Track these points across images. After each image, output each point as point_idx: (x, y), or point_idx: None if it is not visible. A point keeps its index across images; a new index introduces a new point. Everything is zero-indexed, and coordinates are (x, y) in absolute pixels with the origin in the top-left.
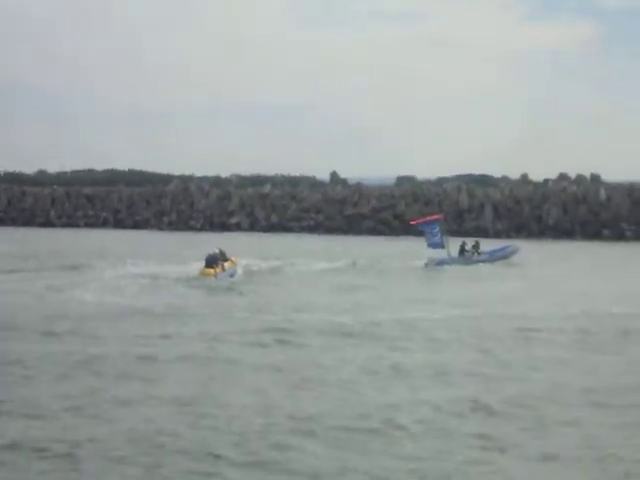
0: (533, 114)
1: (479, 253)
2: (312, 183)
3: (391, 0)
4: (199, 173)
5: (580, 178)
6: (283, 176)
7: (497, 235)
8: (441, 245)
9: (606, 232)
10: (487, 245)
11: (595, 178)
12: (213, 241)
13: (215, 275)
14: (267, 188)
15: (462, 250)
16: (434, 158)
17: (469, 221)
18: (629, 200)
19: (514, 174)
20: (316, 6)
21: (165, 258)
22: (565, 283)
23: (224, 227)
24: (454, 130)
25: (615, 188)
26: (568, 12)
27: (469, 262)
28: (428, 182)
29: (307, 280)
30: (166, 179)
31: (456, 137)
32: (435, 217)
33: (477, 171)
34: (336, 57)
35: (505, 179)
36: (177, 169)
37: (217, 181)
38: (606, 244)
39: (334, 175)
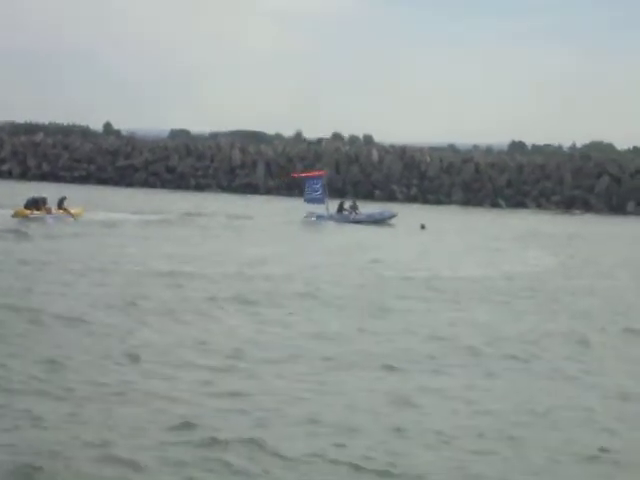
0: (308, 74)
1: (357, 213)
2: (85, 133)
3: None
4: None
5: (353, 138)
6: (57, 125)
7: (268, 192)
8: (321, 201)
9: (377, 193)
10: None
11: (368, 139)
12: None
13: (29, 215)
14: (39, 137)
15: (340, 208)
16: (208, 113)
17: (241, 177)
18: (401, 162)
19: (288, 132)
20: None
21: None
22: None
23: None
24: (229, 86)
25: (387, 149)
26: None
27: (346, 220)
28: (201, 136)
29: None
30: None
31: (231, 93)
32: (318, 173)
33: (251, 128)
34: (116, 7)
35: (279, 137)
36: None
37: None
38: (378, 205)
39: (107, 126)
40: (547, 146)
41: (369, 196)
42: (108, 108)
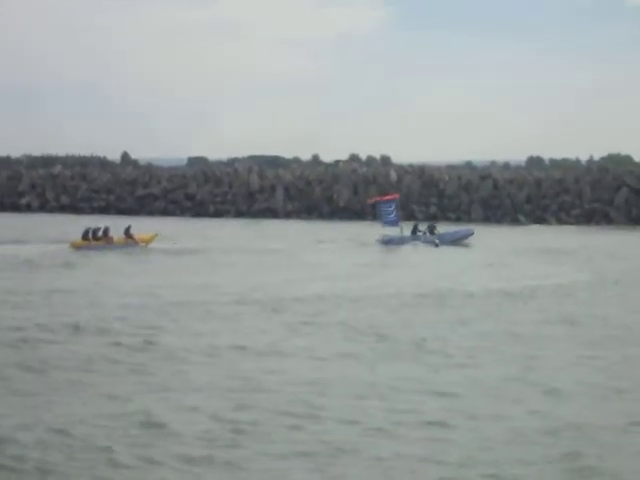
0: (324, 97)
1: (433, 234)
2: (103, 164)
3: None
4: None
5: (370, 159)
6: (74, 157)
7: (287, 216)
8: (395, 223)
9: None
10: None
11: (385, 160)
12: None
13: (88, 245)
14: (57, 169)
15: (414, 230)
16: (226, 139)
17: (260, 202)
18: (419, 182)
19: (305, 155)
20: None
21: None
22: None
23: (15, 207)
24: (246, 112)
25: (405, 169)
26: None
27: (417, 241)
28: (219, 163)
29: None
30: None
31: (248, 119)
32: (391, 197)
33: (269, 152)
34: (127, 39)
35: (296, 160)
36: None
37: (7, 161)
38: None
39: (125, 156)
40: (565, 160)
41: None
42: (125, 138)
